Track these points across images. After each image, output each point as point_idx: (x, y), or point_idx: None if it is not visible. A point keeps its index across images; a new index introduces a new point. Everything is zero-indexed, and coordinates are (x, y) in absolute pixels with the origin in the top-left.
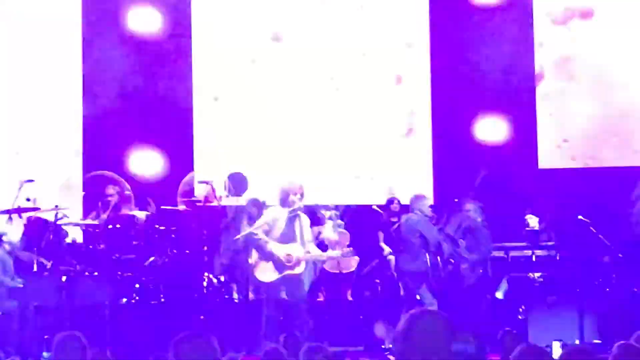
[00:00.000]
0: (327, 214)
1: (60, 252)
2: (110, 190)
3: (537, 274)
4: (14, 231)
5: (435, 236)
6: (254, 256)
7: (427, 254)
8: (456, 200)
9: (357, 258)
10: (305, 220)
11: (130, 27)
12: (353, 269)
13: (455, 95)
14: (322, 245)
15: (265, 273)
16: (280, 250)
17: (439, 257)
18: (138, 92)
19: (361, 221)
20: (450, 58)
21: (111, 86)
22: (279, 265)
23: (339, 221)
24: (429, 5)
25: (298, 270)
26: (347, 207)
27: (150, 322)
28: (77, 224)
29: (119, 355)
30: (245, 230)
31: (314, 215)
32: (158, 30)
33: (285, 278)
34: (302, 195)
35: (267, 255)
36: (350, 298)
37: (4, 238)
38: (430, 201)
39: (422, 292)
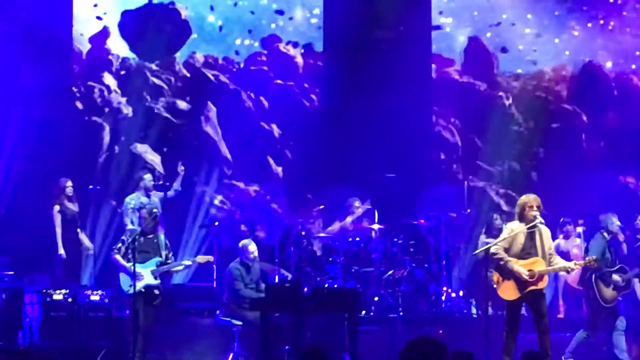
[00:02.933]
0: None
1: (300, 264)
2: (357, 203)
3: None
4: (252, 246)
5: None
6: (495, 276)
7: None
8: None
9: None
10: (545, 232)
11: None
12: None
13: None
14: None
15: (508, 291)
16: (521, 266)
17: None
18: None
19: None
20: None
21: None
22: (522, 282)
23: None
24: None
25: (541, 285)
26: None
27: (387, 335)
28: (317, 237)
29: None
30: (484, 246)
31: (562, 229)
32: None
33: (528, 294)
34: (538, 207)
35: (508, 274)
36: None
37: (247, 254)
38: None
39: None
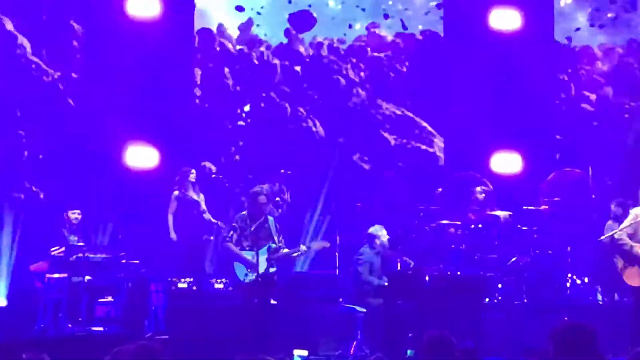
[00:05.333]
0: None
1: (422, 251)
2: (479, 189)
3: None
4: (383, 232)
5: None
6: (620, 262)
7: None
8: None
9: None
10: None
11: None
12: None
13: None
14: None
15: (634, 278)
16: None
17: None
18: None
19: None
20: None
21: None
22: None
23: None
24: None
25: None
26: None
27: (512, 322)
28: (438, 224)
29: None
30: (609, 232)
31: None
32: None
33: None
34: None
35: (634, 260)
36: None
37: (377, 240)
38: None
39: None
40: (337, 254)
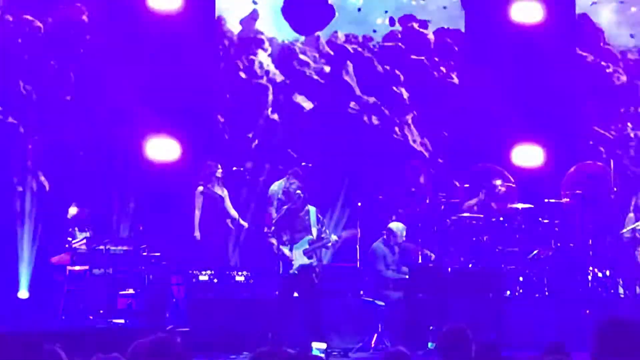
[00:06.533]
0: None
1: (443, 244)
2: (499, 182)
3: None
4: (398, 228)
5: None
6: None
7: None
8: None
9: None
10: None
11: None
12: None
13: None
14: None
15: None
16: None
17: None
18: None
19: None
20: None
21: None
22: None
23: None
24: None
25: None
26: None
27: (533, 315)
28: (461, 217)
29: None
30: (630, 225)
31: None
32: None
33: None
34: None
35: None
36: None
37: (390, 235)
38: None
39: None
40: (358, 247)
